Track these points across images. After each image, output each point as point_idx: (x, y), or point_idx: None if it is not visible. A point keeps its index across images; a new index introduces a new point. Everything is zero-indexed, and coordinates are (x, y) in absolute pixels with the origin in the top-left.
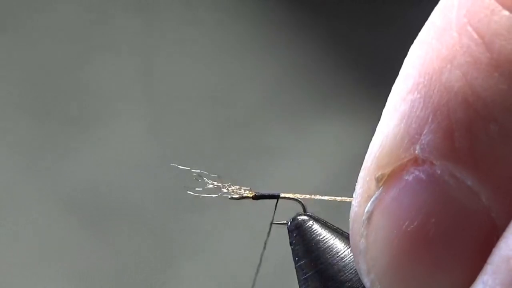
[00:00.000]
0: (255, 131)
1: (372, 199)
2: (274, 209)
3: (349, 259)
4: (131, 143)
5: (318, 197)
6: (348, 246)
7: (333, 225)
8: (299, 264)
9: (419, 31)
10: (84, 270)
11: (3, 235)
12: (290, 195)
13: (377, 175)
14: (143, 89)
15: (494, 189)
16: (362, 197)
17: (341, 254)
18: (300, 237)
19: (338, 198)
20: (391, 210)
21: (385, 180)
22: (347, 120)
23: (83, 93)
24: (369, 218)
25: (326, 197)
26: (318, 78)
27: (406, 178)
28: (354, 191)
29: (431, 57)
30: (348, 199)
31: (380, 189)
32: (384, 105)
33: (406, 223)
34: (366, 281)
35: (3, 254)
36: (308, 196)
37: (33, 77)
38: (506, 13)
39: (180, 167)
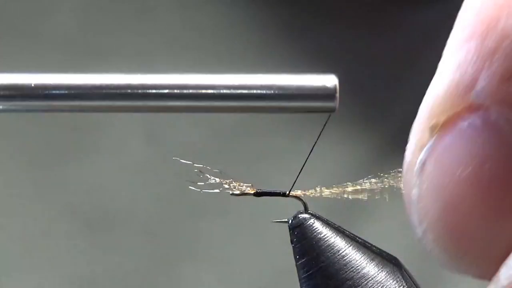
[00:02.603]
0: (254, 135)
1: (425, 148)
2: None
3: (350, 258)
4: (131, 148)
5: (322, 190)
6: (349, 245)
7: (334, 224)
8: (300, 262)
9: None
10: (85, 275)
11: (4, 240)
12: (293, 193)
13: (431, 124)
14: None
15: None
16: (415, 146)
17: (342, 252)
18: (301, 235)
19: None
20: (445, 158)
21: (439, 129)
22: (347, 125)
23: None
24: (423, 167)
25: (327, 191)
26: None
27: (461, 125)
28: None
29: (487, 5)
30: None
31: (434, 137)
32: (386, 110)
33: (460, 169)
34: (418, 231)
35: (4, 258)
36: (313, 191)
37: None
38: None
39: (182, 161)
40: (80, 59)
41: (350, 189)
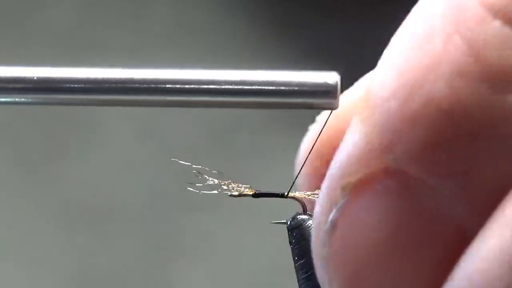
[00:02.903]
0: (252, 133)
1: (337, 207)
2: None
3: None
4: (125, 145)
5: (318, 192)
6: None
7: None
8: (298, 263)
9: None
10: (78, 270)
11: (1, 238)
12: (292, 194)
13: (343, 183)
14: None
15: (472, 202)
16: (326, 204)
17: None
18: (299, 236)
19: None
20: (357, 220)
21: (352, 188)
22: None
23: None
24: (333, 227)
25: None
26: None
27: (375, 187)
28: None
29: (411, 66)
30: None
31: (346, 197)
32: None
33: (372, 234)
34: None
35: (1, 256)
36: (309, 193)
37: None
38: (498, 23)
39: (181, 162)
40: (76, 52)
41: None
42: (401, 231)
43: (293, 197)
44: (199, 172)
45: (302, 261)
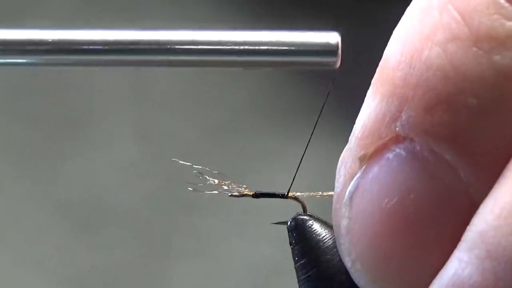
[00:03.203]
0: (249, 134)
1: (354, 179)
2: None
3: None
4: (122, 145)
5: (320, 193)
6: None
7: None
8: (299, 263)
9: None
10: (76, 272)
11: None
12: (291, 194)
13: (359, 155)
14: (135, 92)
15: (473, 164)
16: (345, 177)
17: None
18: (300, 236)
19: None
20: (372, 188)
21: (367, 160)
22: (342, 123)
23: (74, 96)
24: (352, 198)
25: (326, 194)
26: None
27: (387, 156)
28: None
29: (412, 37)
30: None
31: (362, 168)
32: None
33: (386, 200)
34: (347, 261)
35: None
36: (310, 193)
37: (24, 82)
38: None
39: (181, 162)
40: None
41: None
42: (409, 198)
43: (293, 197)
44: (199, 172)
45: (302, 261)
